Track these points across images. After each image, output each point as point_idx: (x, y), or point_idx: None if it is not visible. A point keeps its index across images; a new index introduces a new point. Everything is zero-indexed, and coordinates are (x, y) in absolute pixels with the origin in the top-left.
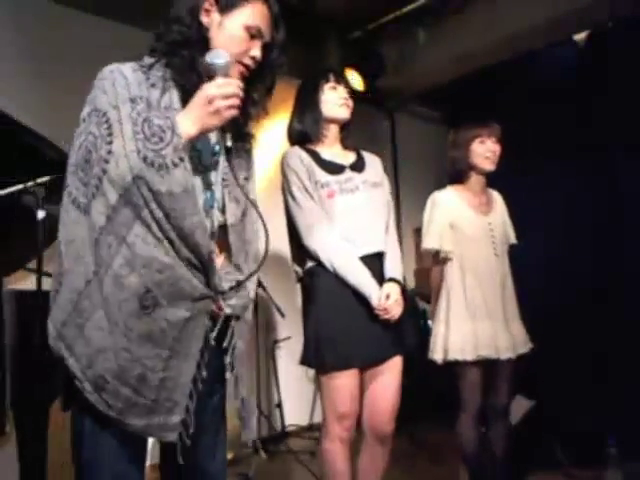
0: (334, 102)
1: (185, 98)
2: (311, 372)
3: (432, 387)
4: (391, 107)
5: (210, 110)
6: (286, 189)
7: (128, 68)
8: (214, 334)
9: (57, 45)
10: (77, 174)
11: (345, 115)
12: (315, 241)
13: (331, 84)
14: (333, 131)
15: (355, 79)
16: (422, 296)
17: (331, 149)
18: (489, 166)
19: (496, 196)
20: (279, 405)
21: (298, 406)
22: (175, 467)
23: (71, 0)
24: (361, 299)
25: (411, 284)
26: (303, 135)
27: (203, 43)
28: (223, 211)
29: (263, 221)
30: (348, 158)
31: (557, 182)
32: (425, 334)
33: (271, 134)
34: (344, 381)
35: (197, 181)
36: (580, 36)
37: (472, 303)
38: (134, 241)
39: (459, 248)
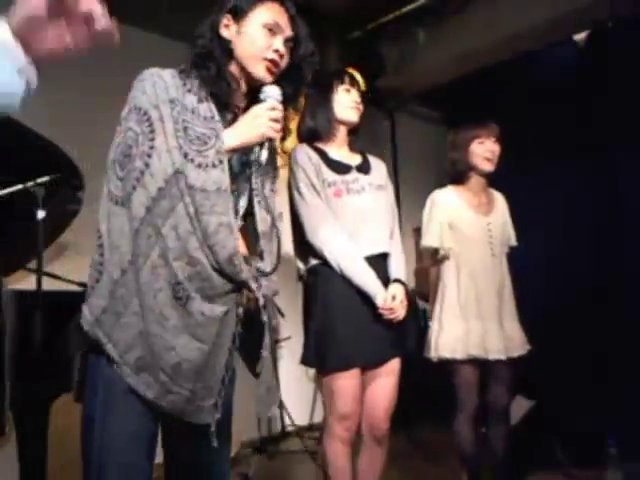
0: (346, 105)
1: (220, 108)
2: (311, 372)
3: (430, 387)
4: (391, 107)
5: (254, 125)
6: (293, 185)
7: (167, 73)
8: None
9: None
10: (115, 170)
11: (355, 118)
12: (321, 240)
13: (345, 86)
14: (342, 132)
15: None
16: (422, 296)
17: (339, 150)
18: (488, 166)
19: (498, 197)
20: (279, 405)
21: (298, 406)
22: (178, 465)
23: None
24: (364, 300)
25: (411, 284)
26: (314, 133)
27: (226, 54)
28: (245, 218)
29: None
30: (354, 159)
31: (557, 182)
32: (424, 334)
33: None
34: (345, 382)
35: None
36: (580, 36)
37: (465, 302)
38: (168, 233)
39: (456, 247)
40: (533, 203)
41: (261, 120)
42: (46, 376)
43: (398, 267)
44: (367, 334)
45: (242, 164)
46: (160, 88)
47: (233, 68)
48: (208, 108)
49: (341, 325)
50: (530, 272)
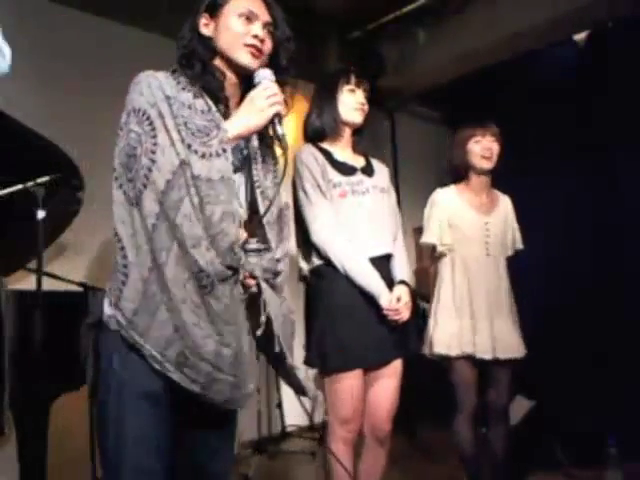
0: (351, 106)
1: (215, 102)
2: (311, 372)
3: (431, 387)
4: (391, 107)
5: (253, 108)
6: (298, 185)
7: (160, 74)
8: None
9: (57, 45)
10: (124, 172)
11: (358, 120)
12: (325, 240)
13: (350, 86)
14: (347, 133)
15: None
16: (421, 295)
17: (343, 151)
18: (486, 164)
19: (503, 199)
20: (279, 405)
21: (298, 406)
22: (177, 466)
23: (71, 0)
24: (367, 300)
25: (412, 284)
26: (320, 132)
27: (209, 50)
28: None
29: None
30: (359, 162)
31: (557, 182)
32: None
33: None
34: (348, 383)
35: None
36: (580, 36)
37: (460, 300)
38: (182, 222)
39: (453, 245)
40: (533, 203)
41: (260, 102)
42: (46, 376)
43: (402, 268)
44: (370, 335)
45: (242, 158)
46: (155, 87)
47: (218, 62)
48: (204, 102)
49: (344, 326)
50: (530, 272)
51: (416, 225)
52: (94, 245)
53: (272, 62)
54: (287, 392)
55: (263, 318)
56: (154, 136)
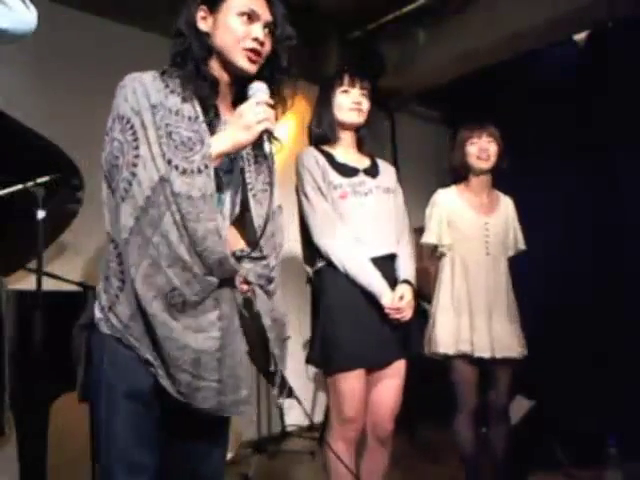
0: (344, 106)
1: (204, 107)
2: (311, 372)
3: (432, 387)
4: (391, 107)
5: (240, 124)
6: (300, 189)
7: (148, 76)
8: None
9: (57, 45)
10: (111, 181)
11: (355, 120)
12: (326, 241)
13: (343, 87)
14: (348, 134)
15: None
16: (422, 295)
17: (346, 152)
18: (483, 165)
19: (504, 200)
20: (278, 405)
21: (298, 406)
22: (167, 469)
23: (71, 0)
24: (369, 301)
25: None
26: (321, 137)
27: (205, 48)
28: (241, 211)
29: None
30: (363, 162)
31: (557, 182)
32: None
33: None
34: (350, 383)
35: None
36: (580, 36)
37: (457, 299)
38: (159, 241)
39: (453, 245)
40: (533, 203)
41: (249, 118)
42: (46, 376)
43: (407, 268)
44: (371, 335)
45: (232, 160)
46: (141, 94)
47: (214, 62)
48: (192, 108)
49: (345, 326)
50: (530, 272)
51: (416, 225)
52: (94, 245)
53: (271, 62)
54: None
55: (267, 322)
56: (136, 147)
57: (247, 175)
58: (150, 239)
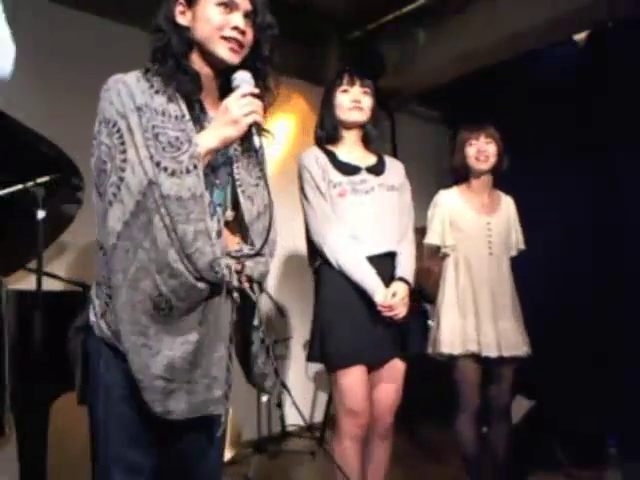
0: (344, 105)
1: (190, 105)
2: (311, 371)
3: (432, 387)
4: (391, 107)
5: (227, 119)
6: (300, 188)
7: (132, 77)
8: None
9: (57, 45)
10: (100, 186)
11: (355, 118)
12: (322, 238)
13: (343, 87)
14: (351, 133)
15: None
16: (424, 296)
17: (350, 151)
18: (482, 166)
19: (505, 200)
20: (279, 405)
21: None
22: (164, 469)
23: (71, 0)
24: (364, 298)
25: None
26: (325, 138)
27: (185, 42)
28: (234, 208)
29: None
30: (367, 161)
31: (557, 182)
32: (425, 333)
33: (274, 135)
34: (351, 377)
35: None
36: (580, 36)
37: (462, 299)
38: (149, 246)
39: (456, 245)
40: (533, 203)
41: (236, 112)
42: (46, 376)
43: (405, 266)
44: (366, 333)
45: (221, 156)
46: (125, 96)
47: (195, 56)
48: (178, 107)
49: (340, 324)
50: (530, 272)
51: (417, 225)
52: (93, 245)
53: (254, 53)
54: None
55: (256, 322)
56: (123, 151)
57: (236, 171)
58: (141, 244)
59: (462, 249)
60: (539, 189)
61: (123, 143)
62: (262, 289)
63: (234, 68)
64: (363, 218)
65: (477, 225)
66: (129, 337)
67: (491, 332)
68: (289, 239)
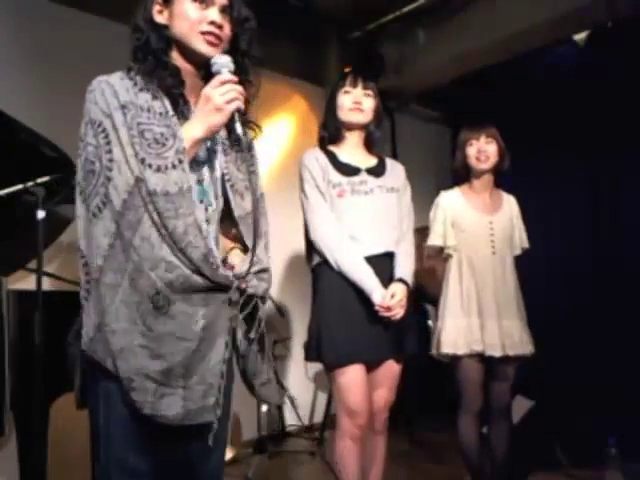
0: (345, 106)
1: (173, 102)
2: (311, 372)
3: (432, 387)
4: (391, 107)
5: (210, 108)
6: (300, 187)
7: (115, 77)
8: (241, 315)
9: (57, 45)
10: (86, 187)
11: (355, 119)
12: (320, 238)
13: (345, 88)
14: (353, 134)
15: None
16: (425, 296)
17: (351, 152)
18: (482, 165)
19: (507, 199)
20: (279, 405)
21: (298, 406)
22: (166, 470)
23: (71, 0)
24: (362, 298)
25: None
26: (328, 139)
27: (164, 40)
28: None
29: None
30: (367, 162)
31: (557, 182)
32: (425, 334)
33: (274, 134)
34: (348, 376)
35: (192, 177)
36: (580, 36)
37: (466, 299)
38: (140, 244)
39: (458, 245)
40: (533, 203)
41: (217, 99)
42: (46, 376)
43: (404, 267)
44: (364, 332)
45: (207, 150)
46: (109, 95)
47: (175, 54)
48: (161, 103)
49: (336, 324)
50: (530, 272)
51: (417, 225)
52: None
53: (233, 46)
54: (287, 392)
55: (252, 335)
56: (109, 151)
57: (224, 165)
58: (130, 242)
59: (465, 249)
60: (539, 189)
61: (109, 143)
62: (265, 301)
63: None
64: (361, 218)
65: (479, 225)
66: (125, 337)
67: (495, 331)
68: (289, 238)
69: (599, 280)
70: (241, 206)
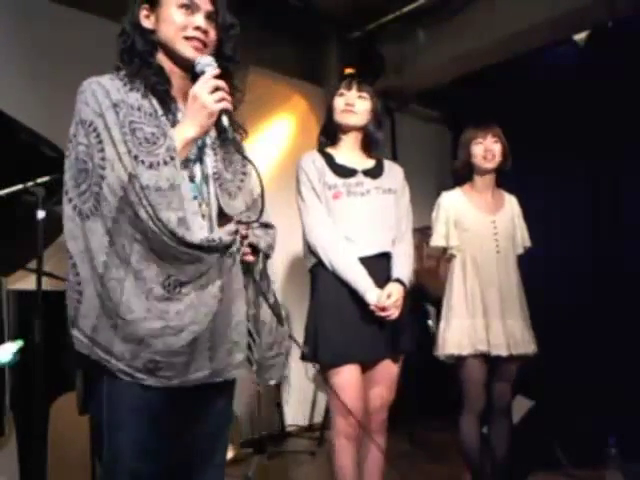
0: (338, 109)
1: (162, 102)
2: (311, 372)
3: (432, 387)
4: (391, 107)
5: (198, 107)
6: (297, 189)
7: (105, 78)
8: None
9: (57, 45)
10: (75, 186)
11: (348, 121)
12: (315, 239)
13: (340, 91)
14: (350, 136)
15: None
16: (425, 297)
17: (348, 154)
18: (488, 165)
19: (509, 199)
20: (279, 404)
21: (298, 406)
22: (169, 467)
23: (71, 0)
24: (358, 299)
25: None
26: (325, 143)
27: (150, 44)
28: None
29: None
30: (364, 163)
31: (557, 182)
32: (425, 333)
33: (274, 134)
34: (343, 376)
35: (184, 174)
36: (580, 36)
37: (471, 298)
38: (142, 237)
39: (462, 245)
40: (533, 203)
41: (205, 99)
42: (46, 376)
43: (401, 268)
44: (358, 333)
45: (198, 148)
46: (101, 94)
47: (161, 56)
48: (150, 104)
49: (331, 323)
50: (530, 272)
51: (416, 226)
52: None
53: (218, 52)
54: (287, 391)
55: (268, 294)
56: (101, 149)
57: (213, 164)
58: (134, 236)
59: (469, 249)
60: (539, 189)
61: (101, 142)
62: (268, 257)
63: None
64: (357, 220)
65: (483, 224)
66: (143, 324)
67: (500, 331)
68: (289, 239)
69: (599, 280)
70: (231, 205)
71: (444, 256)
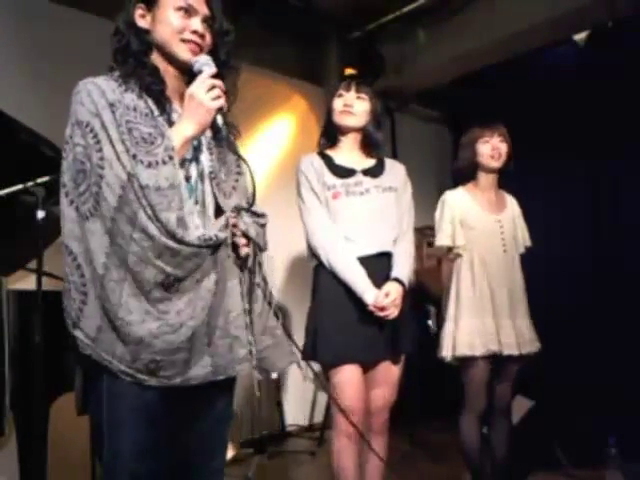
0: (336, 110)
1: (157, 102)
2: (311, 372)
3: (432, 387)
4: (391, 107)
5: (195, 105)
6: (297, 191)
7: (100, 78)
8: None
9: (57, 45)
10: (75, 187)
11: (346, 122)
12: (316, 240)
13: (339, 92)
14: (349, 137)
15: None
16: (426, 297)
17: (347, 154)
18: (494, 163)
19: (510, 199)
20: (279, 404)
21: (298, 406)
22: (169, 467)
23: (71, 0)
24: (358, 299)
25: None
26: (324, 144)
27: (145, 44)
28: (203, 204)
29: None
30: (364, 163)
31: (557, 182)
32: (426, 334)
33: (274, 134)
34: (343, 375)
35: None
36: (580, 36)
37: (480, 298)
38: (140, 237)
39: (469, 244)
40: (533, 203)
41: (202, 97)
42: (46, 376)
43: (401, 267)
44: (358, 333)
45: (194, 148)
46: (96, 94)
47: (156, 57)
48: (145, 104)
49: (332, 323)
50: (530, 272)
51: (416, 225)
52: None
53: (212, 56)
54: (287, 391)
55: (258, 279)
56: (99, 149)
57: (209, 164)
58: (131, 236)
59: (476, 248)
60: (539, 189)
61: (98, 142)
62: (261, 249)
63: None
64: (356, 219)
65: (489, 223)
66: (143, 325)
67: (511, 331)
68: (289, 239)
69: (599, 280)
70: (227, 204)
71: (448, 256)
